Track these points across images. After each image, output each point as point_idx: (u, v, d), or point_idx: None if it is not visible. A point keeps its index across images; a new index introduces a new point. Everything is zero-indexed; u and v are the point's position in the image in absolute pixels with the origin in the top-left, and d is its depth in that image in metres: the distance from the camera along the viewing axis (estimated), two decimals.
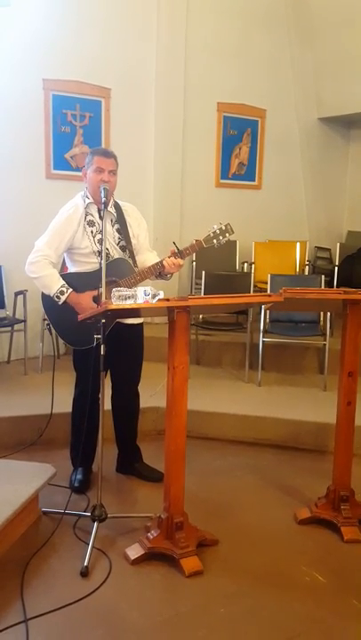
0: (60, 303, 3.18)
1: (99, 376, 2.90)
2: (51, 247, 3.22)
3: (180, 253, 3.21)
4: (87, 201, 3.30)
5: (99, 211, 3.29)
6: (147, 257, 3.40)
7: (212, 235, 3.27)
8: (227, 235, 3.28)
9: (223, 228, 3.27)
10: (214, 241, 3.26)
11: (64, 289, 3.17)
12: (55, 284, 3.18)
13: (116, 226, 3.34)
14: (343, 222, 7.66)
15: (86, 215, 3.28)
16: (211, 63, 6.32)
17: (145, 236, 3.47)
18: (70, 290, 3.18)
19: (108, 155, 3.26)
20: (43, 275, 3.19)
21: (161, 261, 3.21)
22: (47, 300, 3.27)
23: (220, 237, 3.27)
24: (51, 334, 3.36)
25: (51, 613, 2.39)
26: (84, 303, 3.15)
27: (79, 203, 3.31)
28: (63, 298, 3.17)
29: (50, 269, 3.20)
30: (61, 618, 2.38)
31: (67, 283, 3.20)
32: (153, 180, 6.19)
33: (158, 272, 3.23)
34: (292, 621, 2.41)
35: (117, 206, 3.36)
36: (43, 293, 3.27)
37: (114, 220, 3.33)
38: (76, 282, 3.23)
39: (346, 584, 2.68)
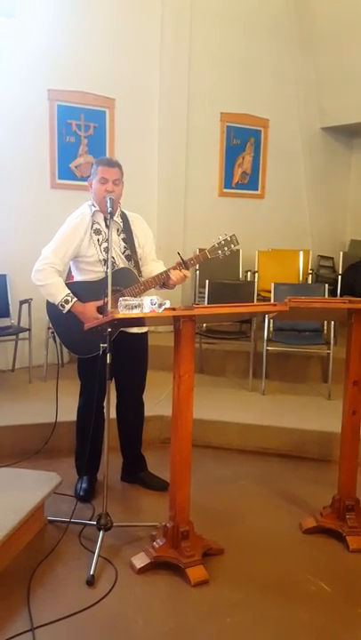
0: (64, 312, 3.19)
1: (104, 385, 2.91)
2: (57, 255, 3.23)
3: (184, 264, 3.22)
4: (94, 209, 3.32)
5: (105, 219, 3.31)
6: (153, 267, 3.41)
7: (217, 245, 3.28)
8: (232, 246, 3.30)
9: (228, 238, 3.29)
10: (219, 252, 3.28)
11: (69, 298, 3.18)
12: (60, 293, 3.19)
13: (122, 235, 3.36)
14: (346, 231, 7.67)
15: (93, 223, 3.30)
16: (214, 73, 6.37)
17: (151, 246, 3.48)
18: (75, 299, 3.19)
19: (112, 164, 3.28)
20: (48, 283, 3.20)
21: (166, 272, 3.23)
22: (52, 309, 3.28)
23: (225, 248, 3.29)
24: (55, 343, 3.37)
25: (57, 622, 2.39)
26: (89, 313, 3.16)
27: (86, 211, 3.33)
28: (68, 307, 3.18)
29: (55, 277, 3.22)
30: (68, 627, 2.38)
31: (72, 291, 3.21)
32: (157, 189, 6.23)
33: (163, 282, 3.25)
34: (298, 630, 2.42)
35: (124, 216, 3.38)
36: (48, 302, 3.28)
37: (120, 230, 3.35)
38: (82, 290, 3.24)
39: (351, 593, 2.67)
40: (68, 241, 3.25)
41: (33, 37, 5.33)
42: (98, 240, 3.29)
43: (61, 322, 3.28)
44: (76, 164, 5.73)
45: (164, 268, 3.31)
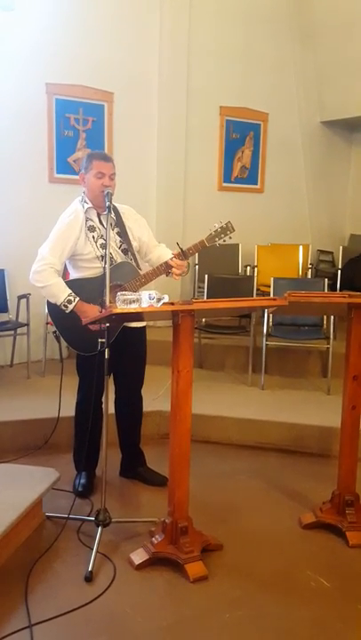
0: (67, 312, 3.17)
1: (102, 380, 2.90)
2: (54, 255, 3.20)
3: (183, 254, 3.21)
4: (86, 206, 3.28)
5: (98, 215, 3.29)
6: (160, 252, 3.41)
7: (213, 233, 3.27)
8: (228, 232, 3.29)
9: (224, 225, 3.28)
10: (216, 239, 3.27)
11: (71, 297, 3.15)
12: (62, 293, 3.16)
13: (116, 229, 3.33)
14: (346, 225, 7.64)
15: (86, 221, 3.27)
16: (213, 67, 6.33)
17: (149, 234, 3.46)
18: (77, 299, 3.16)
19: (108, 159, 3.26)
20: (49, 284, 3.16)
21: (166, 262, 3.23)
22: (53, 308, 3.25)
23: (222, 235, 3.27)
24: (58, 341, 3.34)
25: (55, 619, 2.38)
26: (91, 312, 3.13)
27: (78, 208, 3.29)
28: (70, 307, 3.15)
29: (56, 278, 3.18)
30: (66, 623, 2.37)
31: (72, 290, 3.18)
32: (155, 183, 6.20)
33: (164, 273, 3.24)
34: (297, 626, 2.40)
35: (115, 210, 3.34)
36: (49, 300, 3.26)
37: (113, 224, 3.32)
38: (82, 288, 3.21)
39: (351, 589, 2.66)
40: (63, 240, 3.22)
41: (31, 31, 5.30)
42: (93, 237, 3.26)
43: (64, 320, 3.25)
44: (75, 159, 5.69)
45: (169, 251, 3.32)
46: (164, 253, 3.38)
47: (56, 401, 3.36)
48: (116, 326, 3.14)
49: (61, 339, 3.31)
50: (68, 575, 2.68)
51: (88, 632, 2.34)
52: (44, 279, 3.17)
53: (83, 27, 5.56)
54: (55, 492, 3.28)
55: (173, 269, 3.21)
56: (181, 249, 3.22)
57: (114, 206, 3.33)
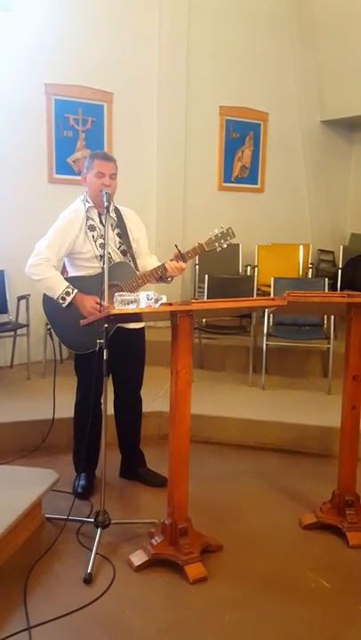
0: (64, 305, 3.14)
1: (101, 381, 2.89)
2: (51, 251, 3.19)
3: (181, 256, 3.20)
4: (87, 205, 3.28)
5: (99, 215, 3.28)
6: (147, 261, 3.39)
7: (213, 238, 3.27)
8: (228, 238, 3.29)
9: (225, 231, 3.28)
10: (216, 244, 3.27)
11: (70, 290, 3.14)
12: (60, 286, 3.14)
13: (117, 230, 3.33)
14: (346, 225, 7.63)
15: (87, 220, 3.26)
16: (213, 66, 6.32)
17: (144, 240, 3.46)
18: (76, 290, 3.14)
19: (109, 159, 3.25)
20: (47, 277, 3.15)
21: (163, 265, 3.21)
22: (48, 304, 3.24)
23: (222, 241, 3.27)
24: (52, 339, 3.34)
25: (54, 621, 2.37)
26: (89, 305, 3.13)
27: (80, 207, 3.29)
28: (69, 299, 3.13)
29: (53, 271, 3.18)
30: (65, 625, 2.36)
31: None
32: (155, 183, 6.19)
33: (160, 275, 3.22)
34: (298, 627, 2.39)
35: (117, 211, 3.34)
36: (44, 298, 3.25)
37: (114, 225, 3.32)
38: (79, 286, 3.20)
39: (351, 590, 2.65)
40: (62, 237, 3.21)
41: (30, 31, 5.29)
42: (93, 236, 3.25)
43: (58, 318, 3.24)
44: (74, 159, 5.69)
45: (159, 263, 3.29)
46: (150, 263, 3.36)
47: (57, 402, 3.34)
48: (109, 325, 3.13)
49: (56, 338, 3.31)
50: (68, 577, 2.67)
51: (87, 634, 2.33)
52: (41, 272, 3.16)
53: (81, 27, 5.55)
54: (55, 494, 3.26)
55: (167, 273, 3.19)
56: (180, 251, 3.21)
57: (116, 207, 3.34)
